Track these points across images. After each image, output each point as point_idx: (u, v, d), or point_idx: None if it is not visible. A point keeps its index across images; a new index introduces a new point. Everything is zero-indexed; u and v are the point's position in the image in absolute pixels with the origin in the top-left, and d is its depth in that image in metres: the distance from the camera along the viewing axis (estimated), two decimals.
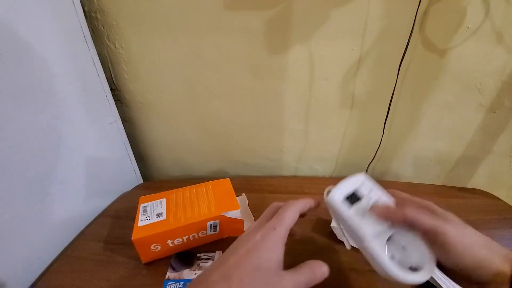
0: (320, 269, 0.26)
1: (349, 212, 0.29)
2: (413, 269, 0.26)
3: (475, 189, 0.65)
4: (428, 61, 0.56)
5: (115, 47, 0.60)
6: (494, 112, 0.60)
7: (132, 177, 0.70)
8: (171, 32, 0.57)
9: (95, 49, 0.55)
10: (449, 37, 0.53)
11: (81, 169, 0.54)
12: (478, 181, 0.70)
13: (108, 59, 0.61)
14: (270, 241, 0.26)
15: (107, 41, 0.59)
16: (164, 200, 0.49)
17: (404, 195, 0.32)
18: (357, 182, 0.31)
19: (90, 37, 0.54)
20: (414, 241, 0.27)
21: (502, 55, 0.54)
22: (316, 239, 0.50)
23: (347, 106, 0.64)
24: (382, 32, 0.54)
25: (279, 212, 0.29)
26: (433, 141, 0.67)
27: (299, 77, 0.60)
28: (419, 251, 0.26)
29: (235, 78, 0.61)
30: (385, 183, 0.33)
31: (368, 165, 0.70)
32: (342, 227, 0.33)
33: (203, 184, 0.53)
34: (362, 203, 0.29)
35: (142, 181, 0.72)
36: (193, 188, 0.52)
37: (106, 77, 0.59)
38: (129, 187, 0.67)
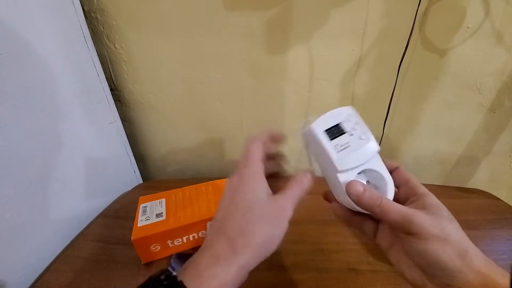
0: (307, 178, 0.29)
1: (327, 145, 0.28)
2: None
3: (475, 189, 0.65)
4: (428, 61, 0.56)
5: (115, 47, 0.60)
6: (494, 112, 0.60)
7: (132, 177, 0.69)
8: (171, 32, 0.57)
9: (95, 49, 0.55)
10: (449, 37, 0.53)
11: (81, 169, 0.54)
12: (478, 181, 0.70)
13: (108, 59, 0.61)
14: (246, 179, 0.26)
15: (107, 41, 0.59)
16: (163, 200, 0.49)
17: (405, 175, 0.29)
18: (342, 114, 0.29)
19: (90, 37, 0.54)
20: (380, 178, 0.28)
21: (502, 55, 0.54)
22: (315, 239, 0.50)
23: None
24: (382, 32, 0.54)
25: (244, 151, 0.29)
26: (433, 141, 0.67)
27: (299, 77, 0.60)
28: (381, 186, 0.28)
29: (235, 78, 0.61)
30: None
31: None
32: (313, 158, 0.33)
33: (203, 184, 0.53)
34: (342, 139, 0.28)
35: (142, 181, 0.72)
36: (193, 188, 0.52)
37: (106, 77, 0.59)
38: (129, 187, 0.66)
